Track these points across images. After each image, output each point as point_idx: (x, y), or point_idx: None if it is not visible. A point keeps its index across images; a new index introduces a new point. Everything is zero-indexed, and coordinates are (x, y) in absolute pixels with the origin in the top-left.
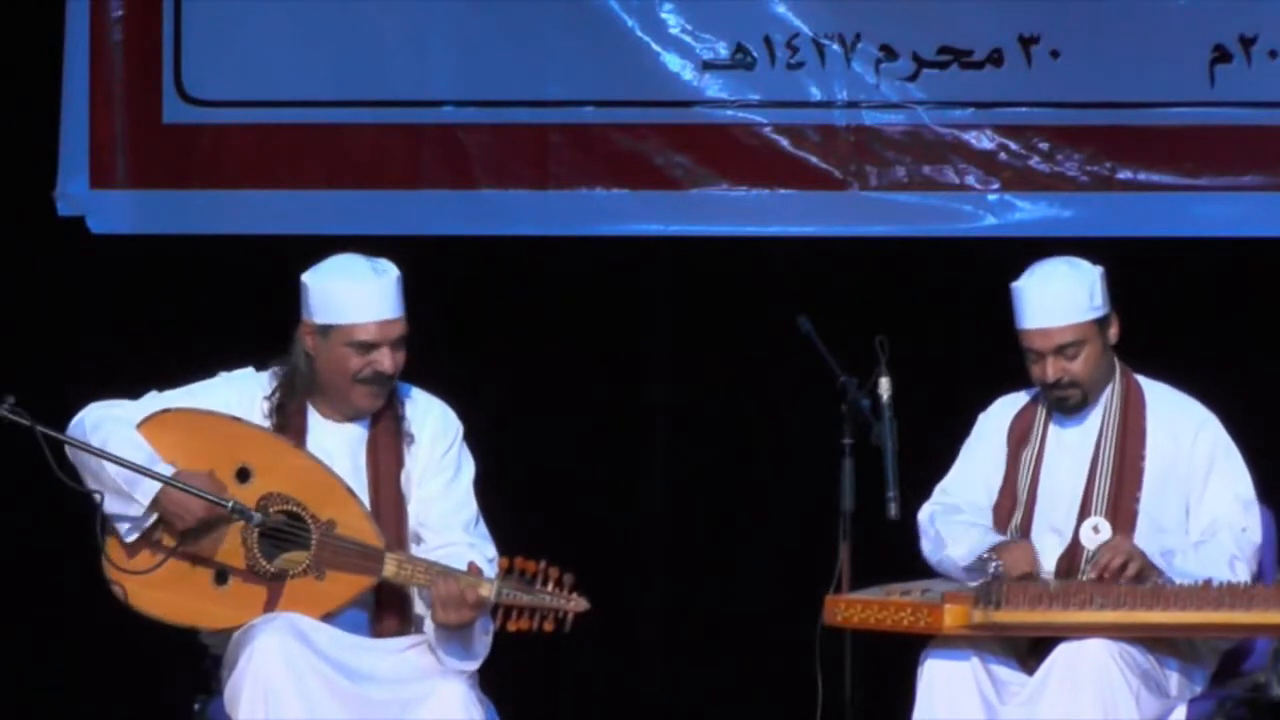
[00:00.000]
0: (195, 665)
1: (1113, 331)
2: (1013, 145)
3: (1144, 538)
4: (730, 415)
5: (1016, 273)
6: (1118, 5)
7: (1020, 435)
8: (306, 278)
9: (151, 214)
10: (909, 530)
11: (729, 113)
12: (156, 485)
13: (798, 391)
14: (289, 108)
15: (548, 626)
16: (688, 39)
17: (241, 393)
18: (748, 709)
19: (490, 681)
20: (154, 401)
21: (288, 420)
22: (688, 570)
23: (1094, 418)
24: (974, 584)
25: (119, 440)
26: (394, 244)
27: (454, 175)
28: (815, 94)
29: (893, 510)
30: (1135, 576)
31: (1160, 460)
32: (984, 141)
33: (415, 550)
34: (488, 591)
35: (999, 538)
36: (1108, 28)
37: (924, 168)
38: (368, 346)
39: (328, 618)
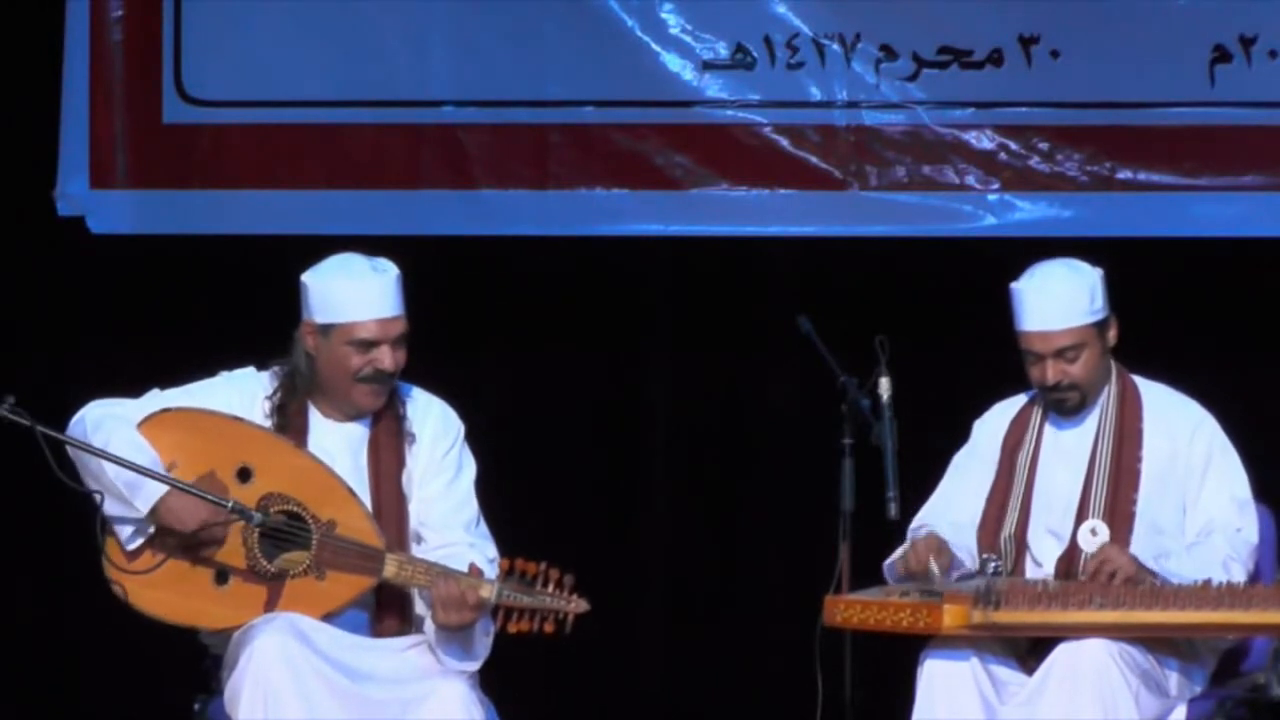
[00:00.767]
0: (195, 665)
1: (1111, 334)
2: (1013, 145)
3: (1141, 539)
4: (730, 415)
5: (1016, 273)
6: (1118, 5)
7: (1016, 439)
8: (306, 277)
9: (151, 214)
10: (907, 532)
11: (729, 113)
12: (155, 495)
13: (798, 391)
14: (289, 108)
15: (548, 628)
16: (688, 39)
17: (242, 392)
18: (748, 709)
19: (490, 681)
20: (155, 400)
21: (289, 420)
22: (688, 571)
23: (1090, 420)
24: (973, 584)
25: (120, 441)
26: (394, 244)
27: (454, 175)
28: (815, 94)
29: (893, 510)
30: (1128, 581)
31: (1157, 462)
32: (984, 141)
33: (416, 550)
34: (488, 593)
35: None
36: (1107, 28)
37: (924, 168)
38: (369, 345)
39: (328, 618)
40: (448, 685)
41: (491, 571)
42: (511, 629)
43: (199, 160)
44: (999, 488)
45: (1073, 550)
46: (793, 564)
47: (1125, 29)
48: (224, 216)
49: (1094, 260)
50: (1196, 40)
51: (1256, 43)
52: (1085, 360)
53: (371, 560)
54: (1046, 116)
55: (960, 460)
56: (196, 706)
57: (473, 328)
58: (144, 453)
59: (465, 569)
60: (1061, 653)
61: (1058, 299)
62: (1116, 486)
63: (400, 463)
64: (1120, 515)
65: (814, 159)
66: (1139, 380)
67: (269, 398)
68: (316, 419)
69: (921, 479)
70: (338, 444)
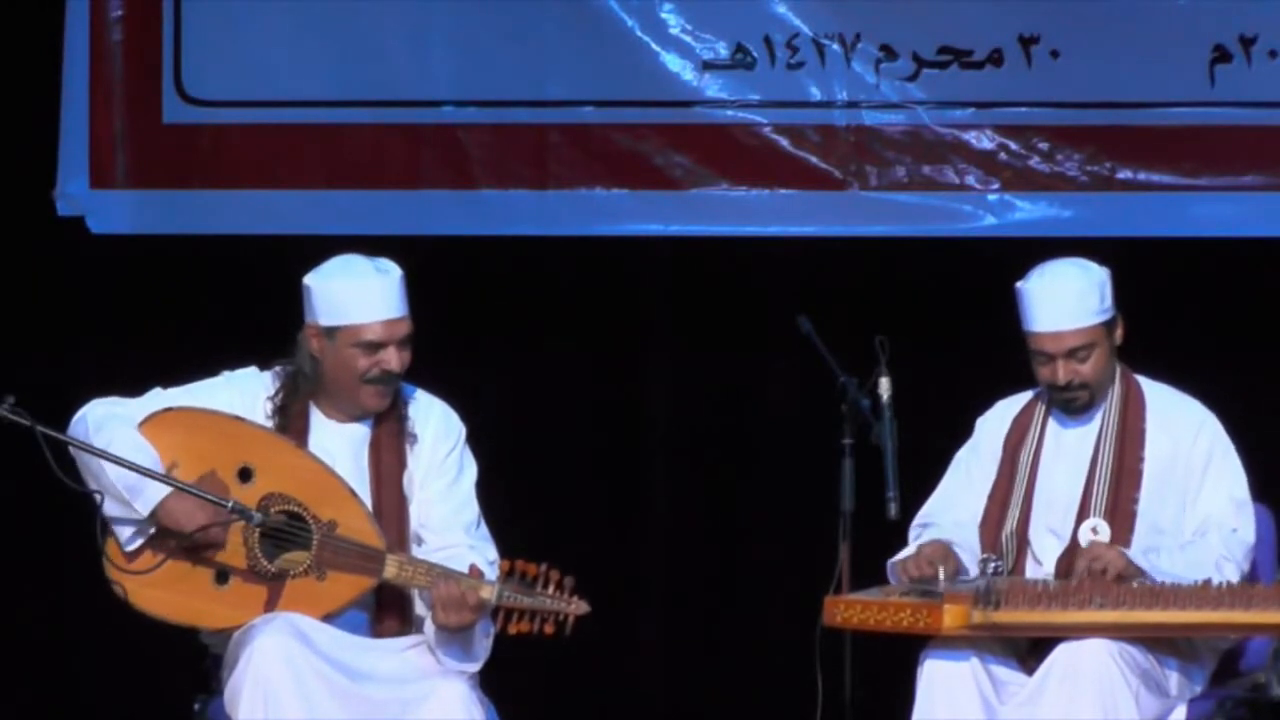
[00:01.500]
0: (195, 665)
1: (1118, 333)
2: (1013, 145)
3: (1142, 539)
4: (730, 415)
5: (1016, 273)
6: (1118, 5)
7: (1018, 437)
8: (310, 280)
9: (151, 214)
10: (908, 529)
11: (729, 113)
12: (155, 498)
13: (798, 391)
14: (289, 108)
15: (548, 629)
16: (688, 39)
17: (244, 392)
18: (748, 709)
19: (490, 682)
20: (157, 399)
21: (290, 420)
22: (688, 570)
23: (1094, 419)
24: (973, 584)
25: (121, 441)
26: (394, 244)
27: (454, 175)
28: (815, 94)
29: (893, 510)
30: (1119, 577)
31: (1159, 462)
32: (984, 141)
33: (416, 551)
34: (488, 594)
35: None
36: (1108, 28)
37: (924, 168)
38: (375, 346)
39: (328, 618)
40: (448, 685)
41: (492, 573)
42: (511, 630)
43: (199, 160)
44: (1000, 485)
45: (1073, 549)
46: (793, 564)
47: (1125, 29)
48: (224, 216)
49: (1094, 260)
50: (1196, 40)
51: (1256, 43)
52: (1095, 360)
53: (372, 561)
54: (1046, 116)
55: (962, 458)
56: (196, 706)
57: (472, 328)
58: (145, 453)
59: (466, 570)
60: (1061, 653)
61: (1069, 299)
62: (1118, 486)
63: (401, 463)
64: (1121, 515)
65: (814, 159)
66: (1142, 380)
67: (271, 398)
68: (318, 419)
69: (921, 479)
70: (339, 444)
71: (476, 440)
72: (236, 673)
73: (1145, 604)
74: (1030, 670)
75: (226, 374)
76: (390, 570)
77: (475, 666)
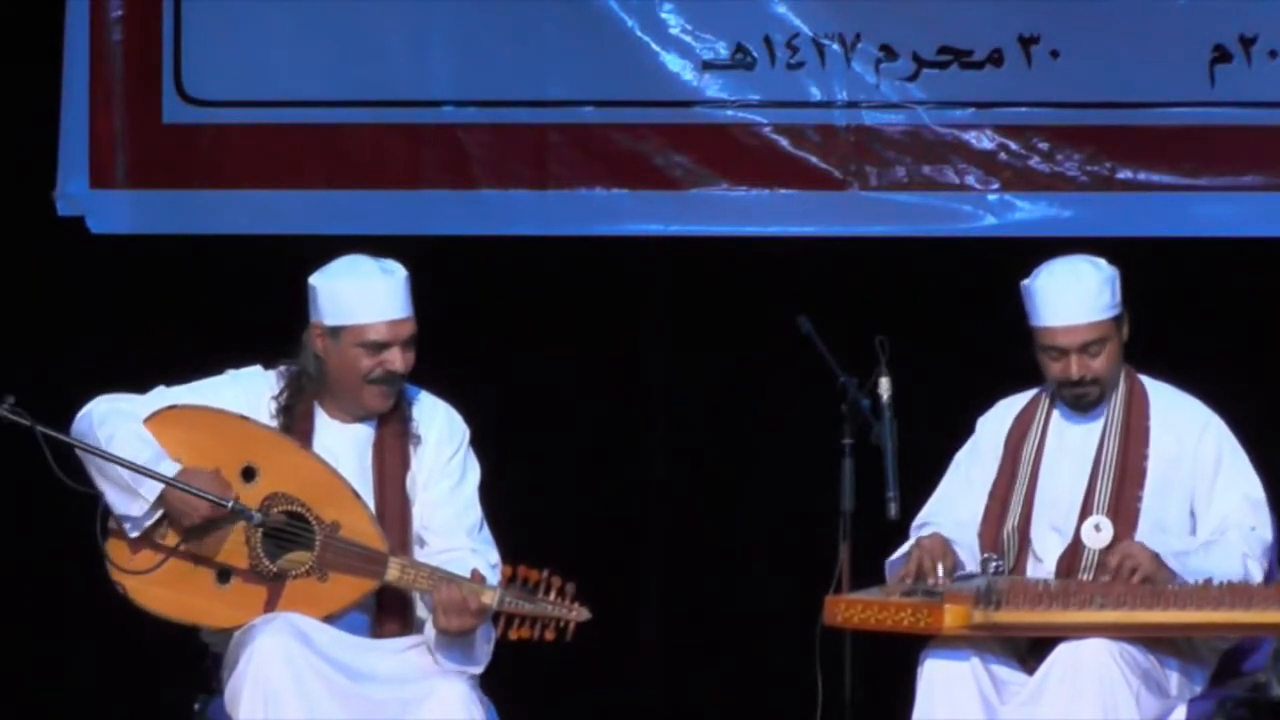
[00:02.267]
0: (195, 665)
1: (1126, 330)
2: (1013, 145)
3: (1145, 538)
4: (730, 415)
5: (1016, 273)
6: (1118, 5)
7: (1020, 435)
8: (315, 280)
9: (151, 214)
10: (909, 530)
11: (729, 113)
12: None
13: (798, 391)
14: (289, 108)
15: (549, 635)
16: (688, 39)
17: (249, 391)
18: (748, 709)
19: (490, 682)
20: (161, 397)
21: (294, 420)
22: (688, 570)
23: (1098, 417)
24: (974, 584)
25: (125, 435)
26: (394, 244)
27: (454, 175)
28: (815, 94)
29: (893, 510)
30: (1146, 579)
31: (1163, 461)
32: (984, 141)
33: (418, 553)
34: (490, 599)
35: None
36: (1108, 28)
37: (924, 168)
38: (379, 346)
39: (329, 619)
40: (448, 685)
41: (494, 577)
42: (512, 636)
43: (199, 160)
44: (1002, 482)
45: (1076, 547)
46: (793, 564)
47: (1125, 29)
48: (224, 216)
49: None
50: (1196, 40)
51: (1256, 43)
52: (1107, 355)
53: (374, 563)
54: (1046, 116)
55: (962, 458)
56: (196, 706)
57: (472, 328)
58: (149, 445)
59: (468, 574)
60: (1062, 652)
61: (1083, 294)
62: (1121, 484)
63: (405, 465)
64: (1124, 513)
65: (814, 159)
66: (1146, 379)
67: (275, 397)
68: (323, 419)
69: (921, 479)
70: (343, 445)
71: (475, 439)
72: (237, 673)
73: (1145, 604)
74: (1030, 670)
75: (231, 372)
76: (392, 573)
77: (476, 670)
